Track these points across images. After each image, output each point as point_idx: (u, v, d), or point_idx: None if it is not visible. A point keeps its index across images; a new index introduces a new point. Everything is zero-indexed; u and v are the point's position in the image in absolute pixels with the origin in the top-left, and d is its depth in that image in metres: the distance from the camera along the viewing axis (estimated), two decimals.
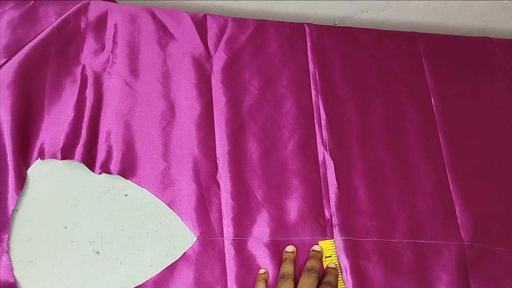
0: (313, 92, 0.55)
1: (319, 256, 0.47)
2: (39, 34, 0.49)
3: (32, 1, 0.52)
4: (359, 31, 0.60)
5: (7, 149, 0.45)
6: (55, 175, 0.47)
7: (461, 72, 0.61)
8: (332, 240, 0.49)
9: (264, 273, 0.46)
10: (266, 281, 0.46)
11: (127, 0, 0.57)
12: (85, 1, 0.53)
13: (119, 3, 0.55)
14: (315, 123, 0.53)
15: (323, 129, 0.53)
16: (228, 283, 0.45)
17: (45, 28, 0.50)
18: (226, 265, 0.46)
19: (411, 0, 0.64)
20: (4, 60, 0.48)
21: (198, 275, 0.45)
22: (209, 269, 0.46)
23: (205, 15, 0.56)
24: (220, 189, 0.49)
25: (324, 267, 0.48)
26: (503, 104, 0.60)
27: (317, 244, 0.48)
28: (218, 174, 0.49)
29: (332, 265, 0.47)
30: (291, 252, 0.47)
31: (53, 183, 0.47)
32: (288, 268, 0.46)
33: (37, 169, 0.47)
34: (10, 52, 0.49)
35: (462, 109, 0.58)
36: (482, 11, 0.67)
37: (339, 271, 0.47)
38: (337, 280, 0.46)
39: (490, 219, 0.52)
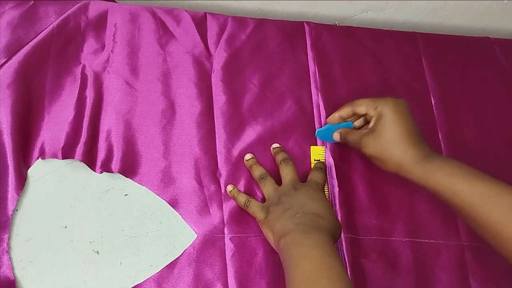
0: (313, 90, 0.55)
1: (283, 149, 0.50)
2: (39, 34, 0.49)
3: (32, 1, 0.52)
4: (358, 30, 0.60)
5: (7, 149, 0.45)
6: (55, 175, 0.47)
7: (461, 71, 0.61)
8: (323, 147, 0.51)
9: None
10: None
11: (127, 0, 0.57)
12: (85, 0, 0.53)
13: (119, 3, 0.55)
14: (315, 121, 0.53)
15: (322, 125, 0.53)
16: (228, 280, 0.45)
17: (45, 28, 0.50)
18: (227, 262, 0.46)
19: (411, 0, 0.64)
20: (4, 60, 0.48)
21: (199, 272, 0.45)
22: (210, 266, 0.46)
23: (205, 13, 0.56)
24: (220, 186, 0.49)
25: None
26: (503, 104, 0.60)
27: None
28: (218, 172, 0.49)
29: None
30: (251, 158, 0.49)
31: (53, 183, 0.46)
32: (258, 170, 0.48)
33: (37, 169, 0.46)
34: (10, 52, 0.49)
35: (462, 109, 0.58)
36: (482, 11, 0.67)
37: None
38: (325, 175, 0.49)
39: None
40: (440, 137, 0.56)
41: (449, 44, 0.62)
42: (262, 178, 0.47)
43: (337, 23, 0.68)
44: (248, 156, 0.49)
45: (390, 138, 0.43)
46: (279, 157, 0.49)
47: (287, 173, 0.47)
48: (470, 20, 0.69)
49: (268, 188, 0.47)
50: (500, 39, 0.64)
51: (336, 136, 0.50)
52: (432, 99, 0.58)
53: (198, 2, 0.62)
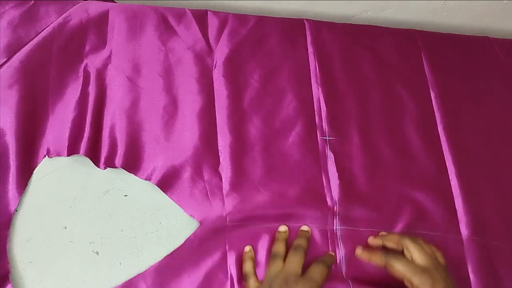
0: (314, 85, 0.55)
1: (307, 235, 0.47)
2: (40, 32, 0.49)
3: (33, 1, 0.52)
4: (358, 27, 0.61)
5: (11, 149, 0.45)
6: (55, 175, 0.47)
7: (460, 68, 0.61)
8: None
9: (249, 251, 0.46)
10: (253, 259, 0.46)
11: (127, 0, 0.57)
12: (85, 0, 0.53)
13: (119, 3, 0.55)
14: (316, 115, 0.54)
15: (323, 121, 0.53)
16: (228, 269, 0.45)
17: (46, 27, 0.50)
18: (227, 250, 0.46)
19: (411, 0, 0.64)
20: (5, 59, 0.48)
21: (200, 261, 0.45)
22: (210, 255, 0.45)
23: (206, 10, 0.56)
24: (222, 181, 0.49)
25: None
26: (501, 98, 0.60)
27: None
28: (220, 166, 0.49)
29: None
30: (284, 232, 0.47)
31: (53, 183, 0.46)
32: (278, 247, 0.46)
33: (44, 168, 0.46)
34: (11, 52, 0.49)
35: (462, 104, 0.59)
36: (482, 11, 0.67)
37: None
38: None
39: (489, 212, 0.52)
40: (439, 131, 0.56)
41: (448, 41, 0.62)
42: (273, 257, 0.45)
43: None
44: (282, 229, 0.47)
45: None
46: (296, 241, 0.46)
47: (291, 260, 0.44)
48: (470, 20, 0.69)
49: (271, 270, 0.44)
50: (499, 38, 0.65)
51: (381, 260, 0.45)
52: (431, 93, 0.58)
53: (198, 2, 0.62)
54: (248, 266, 0.45)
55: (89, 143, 0.47)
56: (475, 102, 0.59)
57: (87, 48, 0.51)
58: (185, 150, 0.49)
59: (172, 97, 0.51)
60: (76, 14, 0.52)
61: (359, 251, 0.47)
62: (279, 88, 0.54)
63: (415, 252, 0.44)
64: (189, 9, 0.55)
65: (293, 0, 0.63)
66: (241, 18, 0.57)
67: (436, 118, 0.56)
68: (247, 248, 0.46)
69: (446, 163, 0.54)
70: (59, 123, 0.48)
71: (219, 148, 0.50)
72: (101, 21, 0.53)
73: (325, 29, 0.59)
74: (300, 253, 0.45)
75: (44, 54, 0.49)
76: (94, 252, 0.44)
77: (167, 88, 0.51)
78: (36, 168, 0.46)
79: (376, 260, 0.46)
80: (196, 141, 0.49)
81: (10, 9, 0.51)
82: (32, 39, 0.49)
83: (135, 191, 0.48)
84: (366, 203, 0.50)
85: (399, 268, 0.43)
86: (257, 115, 0.52)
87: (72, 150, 0.47)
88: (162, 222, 0.47)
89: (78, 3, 0.52)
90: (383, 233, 0.49)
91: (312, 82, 0.55)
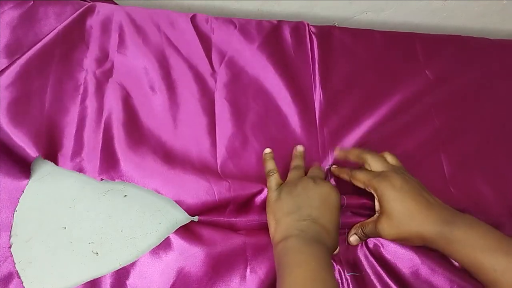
0: (317, 113, 0.54)
1: (303, 155, 0.50)
2: (44, 38, 0.49)
3: (32, 2, 0.52)
4: (356, 32, 0.60)
5: (7, 153, 0.45)
6: (54, 176, 0.47)
7: (459, 71, 0.61)
8: None
9: (270, 152, 0.50)
10: (273, 159, 0.49)
11: (128, 1, 0.57)
12: (87, 4, 0.53)
13: (119, 4, 0.55)
14: (319, 145, 0.53)
15: (327, 152, 0.52)
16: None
17: (50, 32, 0.50)
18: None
19: (410, 0, 0.65)
20: (4, 60, 0.48)
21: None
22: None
23: (211, 27, 0.55)
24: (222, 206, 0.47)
25: None
26: (501, 99, 0.60)
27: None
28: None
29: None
30: (269, 152, 0.50)
31: (52, 184, 0.46)
32: (270, 164, 0.48)
33: (43, 168, 0.47)
34: (10, 52, 0.49)
35: (461, 108, 0.58)
36: (481, 12, 0.68)
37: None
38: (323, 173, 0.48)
39: (490, 217, 0.52)
40: (439, 136, 0.56)
41: (446, 44, 0.62)
42: (295, 167, 0.47)
43: (336, 24, 0.68)
44: (267, 150, 0.50)
45: (401, 217, 0.41)
46: (294, 162, 0.49)
47: (314, 170, 0.47)
48: (470, 21, 0.69)
49: (294, 173, 0.46)
50: (499, 39, 0.65)
51: (355, 239, 0.47)
52: (431, 98, 0.58)
53: (198, 3, 0.62)
54: (270, 164, 0.48)
55: (85, 155, 0.46)
56: (475, 103, 0.59)
57: (88, 57, 0.51)
58: (184, 171, 0.47)
59: (173, 116, 0.50)
60: (79, 21, 0.52)
61: (333, 168, 0.50)
62: (282, 114, 0.53)
63: (372, 162, 0.46)
64: (193, 25, 0.55)
65: (293, 0, 0.63)
66: (246, 34, 0.56)
67: (436, 125, 0.56)
68: (268, 150, 0.50)
69: (444, 164, 0.54)
70: (56, 131, 0.47)
71: (219, 172, 0.48)
72: (104, 32, 0.52)
73: (332, 50, 0.58)
74: (300, 171, 0.47)
75: (46, 60, 0.49)
76: (94, 253, 0.44)
77: (167, 106, 0.50)
78: (36, 168, 0.46)
79: (344, 175, 0.48)
80: (195, 163, 0.48)
81: (9, 9, 0.50)
82: (36, 43, 0.49)
83: (135, 192, 0.48)
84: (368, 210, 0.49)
85: (360, 177, 0.45)
86: (259, 141, 0.51)
87: (66, 159, 0.46)
88: (162, 222, 0.47)
89: (81, 8, 0.52)
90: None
91: (315, 109, 0.54)
